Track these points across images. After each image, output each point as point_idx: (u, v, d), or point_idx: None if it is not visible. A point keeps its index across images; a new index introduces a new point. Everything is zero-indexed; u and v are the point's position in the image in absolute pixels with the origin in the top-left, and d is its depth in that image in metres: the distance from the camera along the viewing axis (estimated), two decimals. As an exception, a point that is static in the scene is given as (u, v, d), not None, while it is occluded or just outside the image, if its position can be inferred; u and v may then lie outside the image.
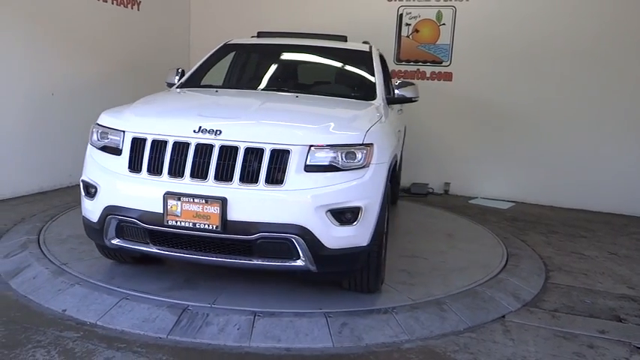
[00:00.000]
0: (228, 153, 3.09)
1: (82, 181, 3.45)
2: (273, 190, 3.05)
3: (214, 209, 3.01)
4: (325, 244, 3.12)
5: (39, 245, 4.19)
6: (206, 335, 3.04)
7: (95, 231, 3.38)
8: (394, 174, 4.33)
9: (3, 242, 4.31)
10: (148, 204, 3.10)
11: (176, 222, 3.06)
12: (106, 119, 3.43)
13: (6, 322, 3.09)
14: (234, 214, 3.03)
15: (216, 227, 3.02)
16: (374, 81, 4.48)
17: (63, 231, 4.59)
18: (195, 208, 3.03)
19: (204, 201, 3.01)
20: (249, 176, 3.07)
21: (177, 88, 4.52)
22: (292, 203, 3.05)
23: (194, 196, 3.03)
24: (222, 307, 3.28)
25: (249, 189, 3.05)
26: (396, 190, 6.40)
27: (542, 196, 7.18)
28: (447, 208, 6.60)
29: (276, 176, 3.07)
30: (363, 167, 3.23)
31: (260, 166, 3.06)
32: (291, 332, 3.09)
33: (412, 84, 4.57)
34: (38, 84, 5.89)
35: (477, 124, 7.43)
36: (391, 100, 4.48)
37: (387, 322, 3.30)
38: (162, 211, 3.07)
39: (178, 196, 3.04)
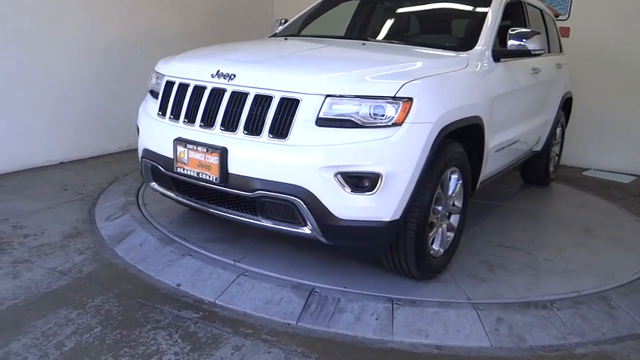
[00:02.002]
0: (237, 99, 2.79)
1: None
2: (276, 144, 2.67)
3: (214, 159, 2.76)
4: (333, 213, 2.64)
5: (139, 208, 3.97)
6: (341, 324, 2.67)
7: (141, 173, 3.43)
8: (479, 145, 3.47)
9: (102, 203, 4.12)
10: (165, 149, 3.00)
11: (183, 170, 2.91)
12: (158, 64, 3.41)
13: (119, 296, 2.84)
14: (235, 167, 2.74)
15: (216, 179, 2.78)
16: (480, 29, 3.65)
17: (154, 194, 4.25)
18: (198, 156, 2.82)
19: (205, 150, 2.79)
20: (254, 127, 2.73)
21: (269, 37, 4.33)
22: (293, 160, 2.63)
23: (198, 144, 2.82)
24: (355, 291, 2.90)
25: (251, 140, 2.72)
26: (546, 169, 5.30)
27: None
28: (567, 182, 5.58)
29: (281, 128, 2.68)
30: (393, 125, 2.63)
31: (266, 116, 2.70)
32: (439, 326, 2.70)
33: (536, 33, 3.62)
34: (127, 36, 5.66)
35: (593, 87, 6.19)
36: (500, 52, 3.61)
37: (549, 320, 2.82)
38: (173, 158, 2.95)
39: (185, 143, 2.87)
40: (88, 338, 2.46)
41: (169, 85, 3.13)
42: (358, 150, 2.60)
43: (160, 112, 3.15)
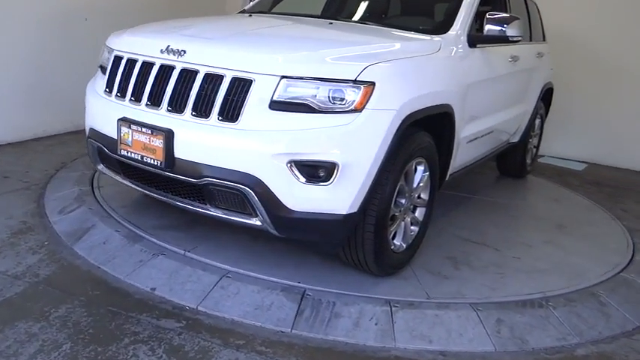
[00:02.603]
0: (187, 78, 2.57)
1: (85, 101, 3.29)
2: (225, 128, 2.46)
3: (159, 142, 2.55)
4: (285, 204, 2.46)
5: (96, 199, 3.55)
6: (339, 331, 2.49)
7: (88, 154, 3.20)
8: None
9: (51, 193, 3.65)
10: (110, 129, 2.78)
11: (127, 152, 2.69)
12: (109, 38, 3.16)
13: (87, 304, 2.49)
14: (181, 152, 2.53)
15: (161, 163, 2.57)
16: (456, 12, 3.45)
17: (121, 196, 3.71)
18: (143, 138, 2.61)
19: (150, 131, 2.57)
20: (203, 108, 2.52)
21: (237, 13, 4.08)
22: (243, 146, 2.43)
23: (142, 125, 2.60)
24: (349, 293, 2.72)
25: (199, 123, 2.51)
26: (523, 161, 5.16)
27: (619, 159, 6.30)
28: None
29: (231, 111, 2.47)
30: (352, 112, 2.44)
31: (216, 97, 2.49)
32: (441, 330, 2.56)
33: (515, 18, 3.43)
34: (71, 5, 5.03)
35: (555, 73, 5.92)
36: (476, 38, 3.41)
37: (547, 320, 2.74)
38: (117, 139, 2.73)
39: (130, 123, 2.65)
40: (57, 357, 2.13)
41: (117, 60, 2.90)
42: (313, 137, 2.41)
43: (107, 89, 2.92)
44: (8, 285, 2.59)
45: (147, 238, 3.04)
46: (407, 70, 2.73)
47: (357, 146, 2.46)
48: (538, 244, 3.66)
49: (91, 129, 3.01)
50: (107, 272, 2.79)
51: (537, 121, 5.31)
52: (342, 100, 2.44)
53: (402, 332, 2.52)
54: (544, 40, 5.31)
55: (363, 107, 2.45)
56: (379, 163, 2.53)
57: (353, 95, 2.44)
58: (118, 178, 3.02)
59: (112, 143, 2.77)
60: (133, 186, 2.95)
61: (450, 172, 3.41)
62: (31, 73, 4.80)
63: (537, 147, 5.60)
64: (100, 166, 3.09)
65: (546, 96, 5.29)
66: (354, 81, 2.44)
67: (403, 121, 2.59)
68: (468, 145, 3.57)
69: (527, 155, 5.24)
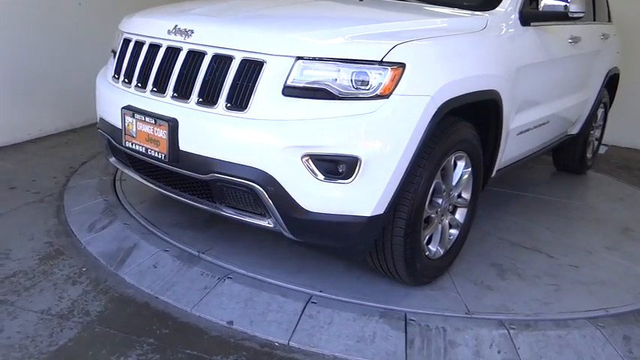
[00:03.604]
0: (194, 60, 2.30)
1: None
2: (233, 117, 2.17)
3: (162, 133, 2.29)
4: (300, 204, 2.15)
5: (127, 211, 3.13)
6: None
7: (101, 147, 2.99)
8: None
9: (72, 206, 3.24)
10: (116, 119, 2.55)
11: (132, 144, 2.45)
12: (122, 21, 2.94)
13: (160, 349, 2.11)
14: (186, 144, 2.26)
15: (165, 157, 2.31)
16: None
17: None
18: (146, 129, 2.36)
19: (153, 121, 2.31)
20: (210, 94, 2.24)
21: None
22: (253, 138, 2.14)
23: (146, 114, 2.35)
24: (457, 315, 2.40)
25: (205, 111, 2.23)
26: (582, 155, 4.64)
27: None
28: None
29: (240, 98, 2.18)
30: (378, 98, 2.10)
31: (224, 82, 2.20)
32: (570, 355, 2.26)
33: (575, -7, 2.98)
34: None
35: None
36: (530, 15, 2.99)
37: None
38: (121, 129, 2.49)
39: (133, 112, 2.40)
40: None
41: (126, 43, 2.67)
42: (333, 127, 2.09)
43: (115, 75, 2.69)
44: (57, 329, 2.18)
45: (204, 259, 2.68)
46: (445, 50, 2.36)
47: (384, 138, 2.12)
48: (599, 250, 3.21)
49: (101, 119, 2.80)
50: (169, 304, 2.40)
51: (600, 111, 4.77)
52: (366, 84, 2.10)
53: (528, 360, 2.19)
54: (609, 20, 4.75)
55: (391, 93, 2.10)
56: (410, 157, 2.18)
57: (379, 79, 2.10)
58: (128, 172, 2.80)
59: (118, 134, 2.54)
60: (143, 181, 2.71)
61: (496, 167, 3.01)
62: (20, 67, 4.32)
63: (600, 139, 5.05)
64: (112, 159, 2.87)
65: (611, 83, 4.73)
66: (381, 62, 2.10)
67: (439, 110, 2.22)
68: (519, 137, 3.15)
69: (587, 149, 4.71)
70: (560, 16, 3.00)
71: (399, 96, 2.11)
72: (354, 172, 2.10)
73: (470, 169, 2.66)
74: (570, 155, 4.65)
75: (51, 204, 3.32)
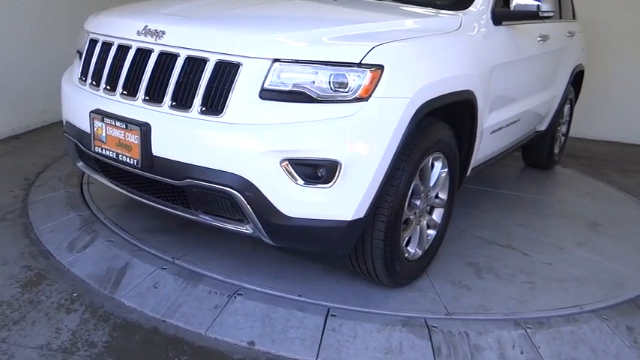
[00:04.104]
0: (166, 63, 2.22)
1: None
2: (208, 121, 2.11)
3: (134, 138, 2.21)
4: (280, 209, 2.11)
5: (108, 227, 2.91)
6: None
7: (67, 150, 2.88)
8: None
9: (42, 223, 2.97)
10: (84, 123, 2.45)
11: (101, 149, 2.36)
12: (87, 19, 2.82)
13: None
14: (159, 149, 2.19)
15: (137, 162, 2.23)
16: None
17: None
18: (117, 133, 2.27)
19: (124, 126, 2.23)
20: (183, 98, 2.17)
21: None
22: (230, 143, 2.08)
23: (116, 118, 2.26)
24: (437, 316, 2.39)
25: (178, 115, 2.16)
26: (550, 151, 4.72)
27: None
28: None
29: (215, 101, 2.12)
30: (357, 100, 2.07)
31: (199, 85, 2.14)
32: (585, 349, 2.31)
33: (545, -8, 3.01)
34: None
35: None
36: (501, 14, 3.00)
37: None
38: (90, 134, 2.40)
39: (103, 116, 2.31)
40: None
41: (93, 44, 2.56)
42: (311, 131, 2.05)
43: (82, 77, 2.59)
44: (63, 366, 1.96)
45: (208, 275, 2.53)
46: (422, 51, 2.35)
47: (363, 141, 2.09)
48: (571, 246, 3.27)
49: (67, 122, 2.69)
50: (180, 327, 2.24)
51: (566, 108, 4.87)
52: (344, 86, 2.07)
53: (550, 358, 2.25)
54: (574, 17, 4.85)
55: (370, 95, 2.08)
56: (389, 160, 2.16)
57: (358, 81, 2.07)
58: (97, 177, 2.70)
59: (87, 138, 2.44)
60: (114, 187, 2.62)
61: (471, 166, 3.02)
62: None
63: (566, 135, 5.16)
64: (80, 163, 2.77)
65: (577, 79, 4.83)
66: (359, 64, 2.07)
67: (418, 111, 2.21)
68: (492, 135, 3.18)
69: (555, 144, 4.81)
70: (530, 15, 3.03)
71: (378, 98, 2.08)
72: (334, 177, 2.07)
73: (447, 170, 2.66)
74: (539, 151, 4.73)
75: (15, 222, 3.03)
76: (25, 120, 4.59)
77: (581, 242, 3.34)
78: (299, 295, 2.44)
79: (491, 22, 2.95)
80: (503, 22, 3.05)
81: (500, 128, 3.26)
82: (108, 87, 2.39)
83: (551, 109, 4.42)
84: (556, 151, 4.91)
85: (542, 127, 4.45)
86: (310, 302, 2.40)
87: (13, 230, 2.95)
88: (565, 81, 4.49)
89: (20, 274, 2.54)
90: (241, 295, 2.41)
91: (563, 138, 5.08)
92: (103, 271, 2.57)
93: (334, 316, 2.32)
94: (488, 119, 3.01)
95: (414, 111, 2.20)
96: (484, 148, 3.12)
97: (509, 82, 3.20)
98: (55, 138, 4.38)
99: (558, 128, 4.77)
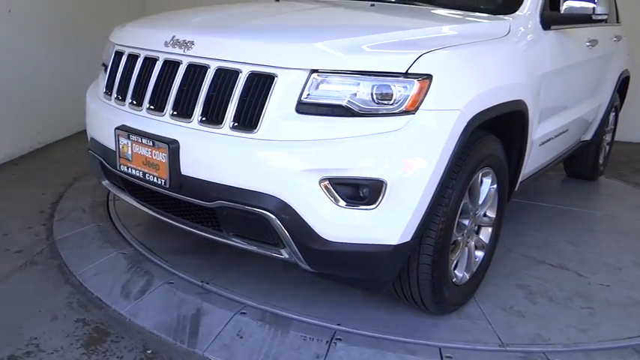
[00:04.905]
0: (195, 75, 2.08)
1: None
2: (241, 138, 1.95)
3: (162, 156, 2.06)
4: (319, 233, 1.93)
5: (162, 266, 2.64)
6: None
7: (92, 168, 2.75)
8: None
9: (80, 266, 2.66)
10: (109, 140, 2.31)
11: (127, 168, 2.22)
12: (113, 31, 2.70)
13: None
14: (188, 168, 2.04)
15: (165, 182, 2.08)
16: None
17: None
18: (143, 151, 2.12)
19: (151, 143, 2.08)
20: (214, 113, 2.01)
21: None
22: (265, 161, 1.91)
23: (142, 135, 2.12)
24: (490, 348, 2.19)
25: (209, 131, 2.01)
26: (595, 161, 4.45)
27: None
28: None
29: (248, 116, 1.95)
30: (404, 114, 1.89)
31: (230, 99, 1.98)
32: None
33: (600, -7, 2.79)
34: None
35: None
36: (551, 17, 2.79)
37: None
38: (115, 151, 2.26)
39: (128, 133, 2.17)
40: None
41: (118, 56, 2.44)
42: (353, 148, 1.87)
43: (107, 91, 2.46)
44: None
45: (296, 319, 2.30)
46: (472, 59, 2.15)
47: (411, 158, 1.90)
48: (628, 266, 3.01)
49: (92, 139, 2.57)
50: None
51: (612, 116, 4.60)
52: (389, 99, 1.89)
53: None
54: (618, 21, 4.59)
55: (417, 108, 1.89)
56: (439, 178, 1.97)
57: (404, 92, 1.89)
58: (123, 196, 2.57)
59: (112, 156, 2.30)
60: (140, 206, 2.48)
61: (519, 180, 2.81)
62: None
63: (611, 144, 4.88)
64: (105, 182, 2.64)
65: (622, 85, 4.56)
66: (406, 74, 1.89)
67: (469, 124, 2.02)
68: (541, 147, 2.96)
69: (600, 154, 4.54)
70: (582, 19, 2.82)
71: (426, 111, 1.90)
72: (378, 197, 1.89)
73: (496, 186, 2.45)
74: (583, 161, 4.46)
75: (47, 265, 2.69)
76: (19, 143, 4.25)
77: (639, 262, 3.08)
78: (338, 324, 2.26)
79: (540, 26, 2.75)
80: (552, 27, 2.84)
81: (549, 139, 3.03)
82: (134, 102, 2.26)
83: (597, 117, 4.15)
84: (601, 161, 4.63)
85: (588, 137, 4.18)
86: (418, 343, 2.18)
87: (49, 275, 2.61)
88: (612, 87, 4.22)
89: (77, 330, 2.21)
90: (340, 339, 2.18)
91: (607, 147, 4.81)
92: (172, 320, 2.27)
93: (449, 357, 2.11)
94: (537, 130, 2.80)
95: (465, 124, 2.00)
96: (533, 161, 2.90)
97: (558, 90, 2.98)
98: (56, 162, 4.16)
99: (603, 137, 4.51)
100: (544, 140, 2.96)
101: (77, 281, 2.56)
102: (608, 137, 4.73)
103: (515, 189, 2.81)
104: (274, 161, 1.90)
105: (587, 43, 3.36)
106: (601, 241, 3.36)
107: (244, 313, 2.30)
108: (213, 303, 2.37)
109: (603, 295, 2.68)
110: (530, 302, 2.55)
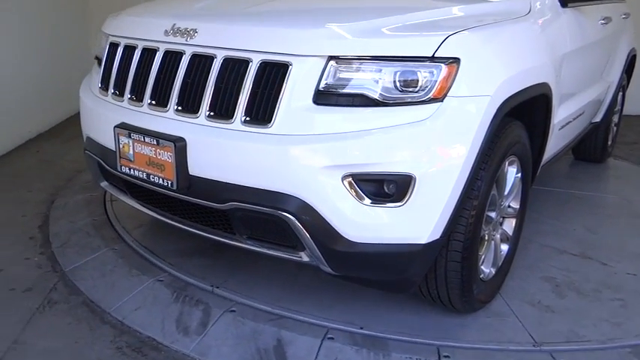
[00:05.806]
0: (200, 66, 1.91)
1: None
2: (254, 133, 1.79)
3: (167, 156, 1.89)
4: (342, 234, 1.78)
5: (220, 296, 2.31)
6: None
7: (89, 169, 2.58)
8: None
9: (111, 300, 2.30)
10: (107, 138, 2.14)
11: (129, 169, 2.05)
12: (105, 21, 2.52)
13: None
14: (197, 167, 1.88)
15: (172, 184, 1.92)
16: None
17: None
18: (147, 151, 1.96)
19: (155, 142, 1.92)
20: (223, 107, 1.85)
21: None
22: (281, 158, 1.76)
23: (145, 133, 1.95)
24: (524, 348, 2.05)
25: (218, 127, 1.84)
26: (604, 143, 4.33)
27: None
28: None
29: (261, 109, 1.79)
30: (431, 102, 1.74)
31: (241, 91, 1.82)
32: None
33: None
34: None
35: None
36: (569, -6, 2.65)
37: None
38: (115, 151, 2.09)
39: (129, 131, 2.00)
40: None
41: (113, 48, 2.26)
42: (378, 141, 1.72)
43: (102, 86, 2.28)
44: None
45: (393, 339, 2.08)
46: (498, 40, 2.00)
47: (440, 150, 1.76)
48: (651, 250, 2.90)
49: (88, 138, 2.39)
50: None
51: (620, 95, 4.47)
52: (415, 85, 1.74)
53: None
54: (622, -2, 4.45)
55: (446, 94, 1.74)
56: (469, 170, 1.83)
57: (430, 78, 1.74)
58: (124, 198, 2.40)
59: (111, 156, 2.13)
60: (143, 209, 2.32)
61: (540, 167, 2.68)
62: None
63: (618, 125, 4.76)
64: (104, 183, 2.47)
65: (630, 64, 4.43)
66: (432, 58, 1.73)
67: (499, 110, 1.87)
68: (560, 132, 2.82)
69: (609, 135, 4.42)
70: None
71: (455, 98, 1.75)
72: (406, 193, 1.74)
73: (520, 174, 2.32)
74: (592, 144, 4.34)
75: (70, 302, 2.30)
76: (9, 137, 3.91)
77: (663, 246, 2.97)
78: (361, 328, 2.12)
79: (558, 3, 2.60)
80: (569, 4, 2.69)
81: (567, 123, 2.91)
82: (133, 97, 2.09)
83: (607, 97, 4.02)
84: (609, 142, 4.52)
85: (598, 119, 4.05)
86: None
87: (78, 316, 2.21)
88: (621, 67, 4.09)
89: (113, 356, 1.94)
90: (448, 357, 1.99)
91: (615, 128, 4.69)
92: (253, 356, 1.98)
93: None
94: (558, 114, 2.66)
95: (495, 110, 1.86)
96: (552, 146, 2.77)
97: (576, 70, 2.84)
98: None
99: (612, 118, 4.39)
100: (563, 124, 2.83)
101: (115, 320, 2.20)
102: (615, 118, 4.61)
103: (536, 175, 2.68)
104: (291, 158, 1.74)
105: (602, 21, 3.23)
106: (621, 227, 3.24)
107: (332, 338, 2.06)
108: (291, 330, 2.10)
109: (632, 285, 2.56)
110: (558, 296, 2.43)
